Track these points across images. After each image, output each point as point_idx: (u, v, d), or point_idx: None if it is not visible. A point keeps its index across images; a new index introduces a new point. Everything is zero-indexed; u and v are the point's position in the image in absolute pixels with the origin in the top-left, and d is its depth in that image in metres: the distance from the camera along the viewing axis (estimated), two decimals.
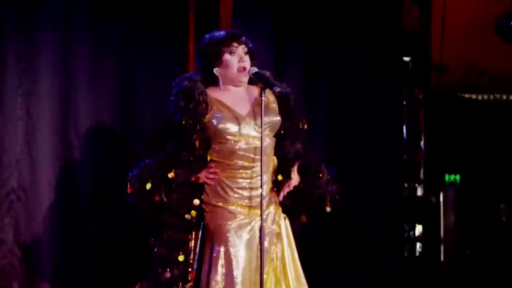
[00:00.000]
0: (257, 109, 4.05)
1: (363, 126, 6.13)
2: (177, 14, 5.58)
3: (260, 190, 4.02)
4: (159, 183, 4.06)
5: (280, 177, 4.18)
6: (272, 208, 4.19)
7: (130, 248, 5.01)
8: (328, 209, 4.26)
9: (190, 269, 4.11)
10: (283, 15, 5.99)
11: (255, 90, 4.17)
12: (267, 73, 4.14)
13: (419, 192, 6.45)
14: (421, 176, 6.47)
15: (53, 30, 5.17)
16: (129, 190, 4.10)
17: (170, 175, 4.05)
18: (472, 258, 6.20)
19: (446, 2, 6.43)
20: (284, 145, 4.19)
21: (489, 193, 6.26)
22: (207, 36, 4.21)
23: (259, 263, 3.98)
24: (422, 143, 6.48)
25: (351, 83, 6.14)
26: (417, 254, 6.37)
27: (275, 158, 4.23)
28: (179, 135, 4.08)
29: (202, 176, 4.11)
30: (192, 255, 4.12)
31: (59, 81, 5.19)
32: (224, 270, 4.05)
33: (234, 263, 4.04)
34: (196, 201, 4.14)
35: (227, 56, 4.13)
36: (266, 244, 4.05)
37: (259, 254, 4.01)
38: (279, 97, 4.20)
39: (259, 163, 4.01)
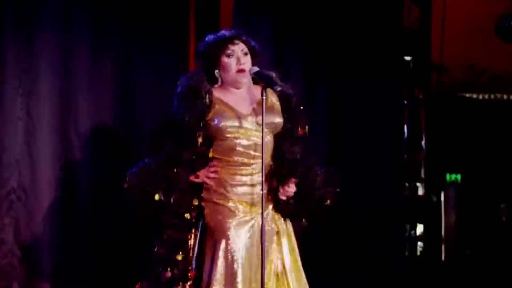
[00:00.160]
0: (259, 109, 4.05)
1: (363, 126, 6.14)
2: (177, 14, 5.59)
3: (259, 187, 4.03)
4: (159, 181, 4.06)
5: (274, 184, 4.17)
6: (271, 207, 4.19)
7: (130, 248, 5.02)
8: (328, 207, 4.26)
9: (190, 268, 4.12)
10: (283, 15, 6.00)
11: (257, 90, 4.16)
12: (273, 74, 4.13)
13: (420, 191, 6.46)
14: (422, 175, 6.47)
15: (53, 30, 5.17)
16: (125, 185, 4.09)
17: (171, 175, 4.06)
18: (472, 258, 6.19)
19: (446, 2, 6.43)
20: (283, 146, 4.19)
21: (490, 192, 6.26)
22: (206, 38, 4.22)
23: (260, 262, 3.98)
24: (422, 142, 6.47)
25: (351, 83, 6.15)
26: (418, 254, 6.36)
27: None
28: (181, 133, 4.08)
29: (202, 175, 4.11)
30: (191, 254, 4.13)
31: (59, 81, 5.19)
32: (225, 268, 4.05)
33: (235, 261, 4.03)
34: (196, 201, 4.14)
35: (224, 59, 4.13)
36: (258, 243, 4.05)
37: (259, 252, 4.02)
38: (281, 97, 4.20)
39: (259, 160, 4.01)
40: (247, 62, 4.13)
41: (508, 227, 6.19)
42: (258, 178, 4.05)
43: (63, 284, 5.12)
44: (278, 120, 4.15)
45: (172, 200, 4.06)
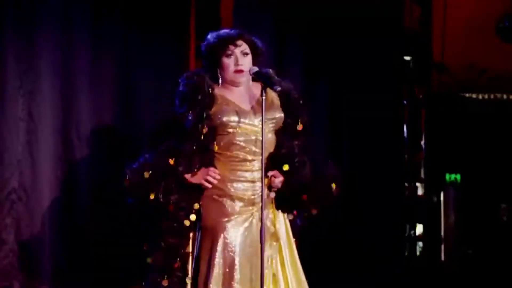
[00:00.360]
0: (259, 107, 4.06)
1: (363, 126, 6.14)
2: (177, 14, 5.59)
3: (259, 184, 4.03)
4: (159, 178, 4.05)
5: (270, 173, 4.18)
6: (270, 206, 4.20)
7: (130, 248, 5.00)
8: (333, 191, 4.27)
9: (187, 274, 4.13)
10: (283, 15, 6.00)
11: (257, 89, 4.17)
12: (270, 71, 4.15)
13: (420, 191, 6.44)
14: (422, 175, 6.46)
15: (53, 30, 5.18)
16: (126, 182, 4.08)
17: (171, 161, 4.05)
18: (473, 258, 6.19)
19: (446, 2, 6.42)
20: (281, 140, 4.20)
21: (490, 192, 6.25)
22: (208, 36, 4.23)
23: (258, 261, 3.99)
24: (422, 142, 6.47)
25: (351, 83, 6.15)
26: (418, 254, 6.36)
27: None
28: (183, 128, 4.09)
29: (200, 176, 4.11)
30: (189, 260, 4.13)
31: (59, 81, 5.20)
32: (222, 269, 4.05)
33: (232, 261, 4.04)
34: (196, 206, 4.14)
35: (224, 59, 4.15)
36: (256, 242, 4.05)
37: (256, 251, 4.02)
38: (281, 94, 4.22)
39: (259, 157, 4.02)
40: (245, 63, 4.15)
41: (509, 227, 6.18)
42: (258, 174, 4.06)
43: (63, 284, 5.13)
44: (279, 115, 4.18)
45: (171, 202, 4.07)
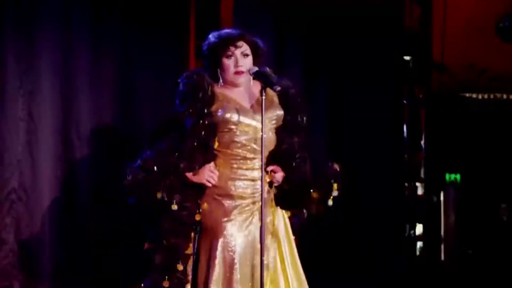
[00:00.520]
0: (258, 106, 4.06)
1: (363, 126, 6.15)
2: (177, 14, 5.59)
3: (259, 182, 4.03)
4: (161, 177, 4.04)
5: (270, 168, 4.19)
6: (270, 205, 4.20)
7: (130, 248, 5.01)
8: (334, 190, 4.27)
9: (188, 275, 4.13)
10: (283, 15, 6.00)
11: (258, 87, 4.18)
12: (267, 69, 4.16)
13: (420, 191, 6.44)
14: (422, 175, 6.45)
15: (53, 30, 5.18)
16: (127, 182, 4.06)
17: (173, 159, 4.04)
18: (473, 258, 6.19)
19: (446, 2, 6.42)
20: (281, 137, 4.20)
21: (490, 192, 6.24)
22: (209, 36, 4.23)
23: (258, 260, 3.99)
24: (422, 142, 6.46)
25: (351, 83, 6.16)
26: (418, 254, 6.36)
27: None
28: (184, 127, 4.09)
29: (202, 175, 4.11)
30: (190, 260, 4.13)
31: (59, 81, 5.21)
32: (222, 268, 4.05)
33: (232, 261, 4.04)
34: (205, 205, 4.14)
35: (224, 60, 4.15)
36: (257, 241, 4.06)
37: (257, 251, 4.02)
38: (280, 93, 4.22)
39: (260, 156, 4.02)
40: (245, 64, 4.15)
41: (509, 227, 6.18)
42: (259, 173, 4.07)
43: (63, 284, 5.13)
44: (279, 112, 4.18)
45: (174, 202, 4.06)
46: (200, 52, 4.38)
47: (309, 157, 4.21)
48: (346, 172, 4.41)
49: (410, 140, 6.44)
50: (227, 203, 4.11)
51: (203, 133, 4.07)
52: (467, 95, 6.30)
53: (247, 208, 4.12)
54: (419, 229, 6.37)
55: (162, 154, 4.07)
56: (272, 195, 4.22)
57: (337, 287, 5.63)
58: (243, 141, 4.10)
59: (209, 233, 4.11)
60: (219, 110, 4.10)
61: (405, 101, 6.44)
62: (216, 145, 4.12)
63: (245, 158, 4.12)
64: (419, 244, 6.35)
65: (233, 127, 4.09)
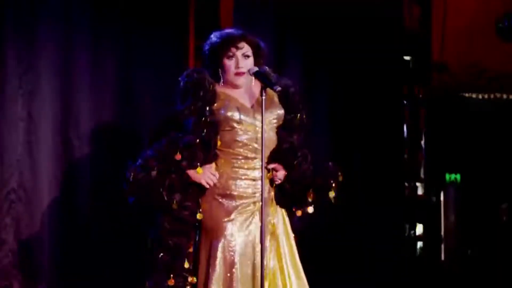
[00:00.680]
0: (259, 106, 4.07)
1: (363, 125, 6.15)
2: (177, 14, 5.59)
3: (260, 182, 4.03)
4: (162, 176, 4.03)
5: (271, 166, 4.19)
6: (270, 204, 4.20)
7: (130, 248, 5.02)
8: (333, 193, 4.27)
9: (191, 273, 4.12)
10: (283, 15, 6.00)
11: (258, 87, 4.18)
12: (266, 68, 4.16)
13: (420, 191, 6.45)
14: (422, 175, 6.46)
15: (53, 30, 5.18)
16: (129, 180, 4.03)
17: (176, 156, 4.03)
18: (473, 258, 6.19)
19: (446, 2, 6.42)
20: (282, 135, 4.21)
21: (490, 192, 6.24)
22: (211, 36, 4.23)
23: (258, 260, 3.99)
24: (422, 142, 6.47)
25: (351, 83, 6.16)
26: (418, 254, 6.36)
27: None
28: (185, 124, 4.08)
29: (203, 175, 4.10)
30: (191, 259, 4.13)
31: (59, 81, 5.21)
32: (222, 268, 4.05)
33: (232, 261, 4.04)
34: (200, 216, 4.14)
35: (225, 60, 4.15)
36: (257, 241, 4.06)
37: (257, 251, 4.02)
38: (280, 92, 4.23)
39: (260, 155, 4.03)
40: (246, 65, 4.15)
41: (509, 227, 6.18)
42: (260, 173, 4.07)
43: (62, 284, 5.13)
44: (279, 112, 4.19)
45: (175, 201, 4.05)
46: (199, 52, 4.38)
47: (310, 154, 4.22)
48: (346, 172, 4.40)
49: (410, 140, 6.44)
50: (228, 203, 4.11)
51: (205, 130, 4.06)
52: (467, 95, 6.30)
53: (247, 208, 4.12)
54: (419, 229, 6.37)
55: (162, 152, 4.06)
56: (272, 194, 4.22)
57: (337, 287, 5.62)
58: (245, 141, 4.10)
59: (209, 233, 4.11)
60: (221, 109, 4.10)
61: (405, 101, 6.44)
62: (218, 143, 4.12)
63: (246, 158, 4.12)
64: (419, 244, 6.36)
65: (235, 125, 4.09)
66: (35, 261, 5.12)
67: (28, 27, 5.09)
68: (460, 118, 6.27)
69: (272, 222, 4.19)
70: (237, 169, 4.12)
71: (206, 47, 4.21)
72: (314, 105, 6.00)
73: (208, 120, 4.07)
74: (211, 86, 4.12)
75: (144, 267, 4.12)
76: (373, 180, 6.10)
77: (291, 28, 6.07)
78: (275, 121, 4.18)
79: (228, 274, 4.04)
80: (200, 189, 4.11)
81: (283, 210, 4.27)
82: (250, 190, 4.12)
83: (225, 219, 4.09)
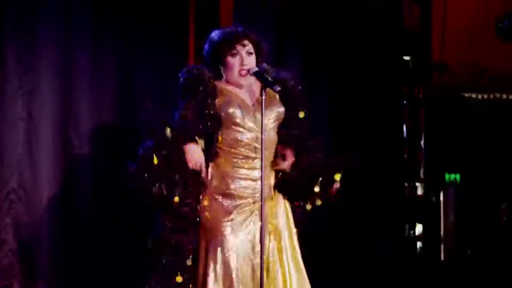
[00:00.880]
0: (259, 105, 4.06)
1: (363, 125, 6.15)
2: (177, 14, 5.59)
3: (259, 182, 4.03)
4: (164, 167, 4.00)
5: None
6: (270, 204, 4.20)
7: (130, 248, 5.02)
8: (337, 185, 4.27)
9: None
10: (284, 15, 6.00)
11: (258, 85, 4.17)
12: (265, 65, 4.18)
13: (419, 191, 6.45)
14: (421, 175, 6.46)
15: (54, 30, 5.18)
16: (131, 170, 4.00)
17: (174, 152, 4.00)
18: (473, 258, 6.19)
19: (446, 2, 6.42)
20: (282, 132, 4.21)
21: (490, 192, 6.24)
22: (213, 33, 4.22)
23: (257, 260, 4.00)
24: (422, 142, 6.47)
25: (351, 83, 6.16)
26: (417, 254, 6.36)
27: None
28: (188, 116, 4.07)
29: (193, 158, 4.03)
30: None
31: (59, 81, 5.21)
32: (221, 268, 4.05)
33: (231, 260, 4.04)
34: (206, 202, 4.12)
35: (229, 58, 4.14)
36: (257, 241, 4.06)
37: (256, 250, 4.03)
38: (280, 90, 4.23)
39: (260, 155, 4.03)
40: (250, 62, 4.14)
41: (509, 227, 6.18)
42: (259, 173, 4.06)
43: (62, 284, 5.13)
44: (280, 109, 4.19)
45: (176, 194, 4.02)
46: (199, 52, 4.37)
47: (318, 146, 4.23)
48: (345, 172, 4.41)
49: (410, 140, 6.44)
50: (227, 202, 4.11)
51: (208, 124, 4.05)
52: (467, 95, 6.30)
53: (247, 208, 4.11)
54: (419, 229, 6.37)
55: (162, 142, 4.03)
56: (272, 194, 4.21)
57: (337, 287, 5.62)
58: (246, 140, 4.10)
59: (208, 232, 4.10)
60: (223, 105, 4.09)
61: (405, 101, 6.44)
62: (219, 139, 4.11)
63: (247, 157, 4.12)
64: (419, 244, 6.36)
65: (237, 121, 4.08)
66: (35, 261, 5.13)
67: (28, 27, 5.09)
68: (460, 118, 6.27)
69: (272, 222, 4.19)
70: (237, 169, 4.12)
71: (208, 45, 4.20)
72: (314, 105, 6.00)
73: (211, 112, 4.06)
74: (211, 81, 4.11)
75: (145, 266, 4.11)
76: (373, 180, 6.10)
77: (291, 28, 6.07)
78: (275, 119, 4.17)
79: (228, 275, 4.04)
80: (200, 186, 4.10)
81: (287, 204, 4.26)
82: (249, 190, 4.12)
83: (224, 219, 4.09)
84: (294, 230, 4.25)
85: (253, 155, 4.11)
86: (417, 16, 6.47)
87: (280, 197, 4.25)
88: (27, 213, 5.10)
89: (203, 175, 4.07)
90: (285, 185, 4.22)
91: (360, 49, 6.10)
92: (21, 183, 5.09)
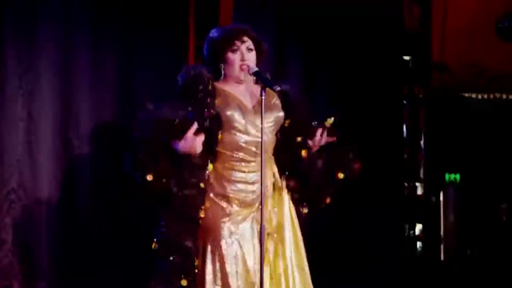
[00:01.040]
0: (259, 107, 4.06)
1: (363, 125, 6.15)
2: (177, 14, 5.59)
3: (257, 186, 4.03)
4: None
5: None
6: (269, 205, 4.20)
7: (130, 248, 5.02)
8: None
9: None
10: (284, 15, 6.00)
11: (257, 88, 4.18)
12: (267, 74, 4.16)
13: (419, 191, 6.45)
14: (421, 175, 6.46)
15: (54, 30, 5.18)
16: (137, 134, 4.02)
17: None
18: (473, 258, 6.19)
19: (446, 2, 6.42)
20: (289, 138, 4.21)
21: (490, 192, 6.24)
22: (213, 31, 4.23)
23: (257, 260, 3.99)
24: (422, 142, 6.47)
25: (351, 83, 6.16)
26: (417, 254, 6.36)
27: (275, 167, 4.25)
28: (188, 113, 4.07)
29: (187, 145, 3.98)
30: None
31: (59, 81, 5.20)
32: (219, 269, 4.05)
33: (229, 261, 4.04)
34: (207, 203, 4.12)
35: (229, 54, 4.15)
36: (255, 242, 4.06)
37: (255, 251, 4.02)
38: (280, 94, 4.24)
39: (259, 158, 4.02)
40: (250, 58, 4.15)
41: (509, 227, 6.18)
42: (257, 176, 4.06)
43: (63, 284, 5.13)
44: (279, 114, 4.19)
45: (184, 193, 4.00)
46: (199, 52, 4.37)
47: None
48: (346, 171, 4.41)
49: (410, 140, 6.44)
50: (225, 204, 4.10)
51: (207, 122, 4.05)
52: (467, 95, 6.30)
53: (245, 210, 4.11)
54: (418, 229, 6.37)
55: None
56: (272, 193, 4.20)
57: (337, 287, 5.62)
58: (245, 143, 4.10)
59: (207, 233, 4.10)
60: (223, 106, 4.09)
61: (405, 101, 6.44)
62: (219, 138, 4.10)
63: (245, 161, 4.11)
64: (419, 244, 6.36)
65: (235, 125, 4.08)
66: (35, 261, 5.12)
67: (28, 27, 5.08)
68: (460, 118, 6.27)
69: (271, 223, 4.19)
70: (235, 172, 4.12)
71: (208, 43, 4.21)
72: (314, 105, 6.00)
73: (211, 112, 4.06)
74: (210, 81, 4.12)
75: (149, 268, 4.11)
76: (373, 180, 6.09)
77: (291, 28, 6.07)
78: (274, 123, 4.17)
79: (226, 276, 4.04)
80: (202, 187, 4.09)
81: (291, 204, 4.25)
82: (248, 193, 4.11)
83: (223, 220, 4.08)
84: (298, 228, 4.24)
85: (252, 158, 4.11)
86: (417, 16, 6.47)
87: (284, 197, 4.25)
88: (27, 213, 5.10)
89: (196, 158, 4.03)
90: (297, 188, 4.23)
91: (360, 49, 6.10)
92: (21, 183, 5.08)
